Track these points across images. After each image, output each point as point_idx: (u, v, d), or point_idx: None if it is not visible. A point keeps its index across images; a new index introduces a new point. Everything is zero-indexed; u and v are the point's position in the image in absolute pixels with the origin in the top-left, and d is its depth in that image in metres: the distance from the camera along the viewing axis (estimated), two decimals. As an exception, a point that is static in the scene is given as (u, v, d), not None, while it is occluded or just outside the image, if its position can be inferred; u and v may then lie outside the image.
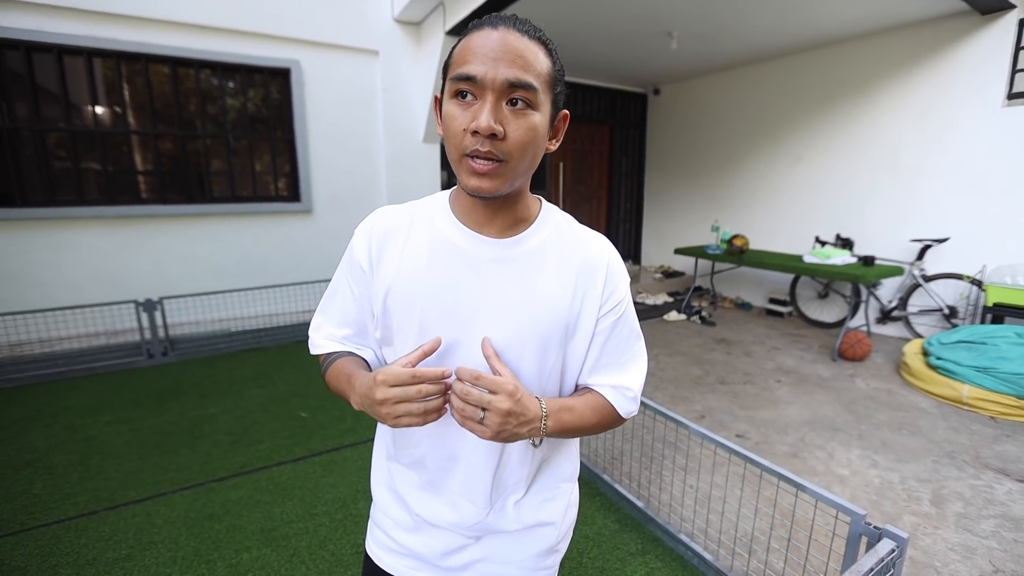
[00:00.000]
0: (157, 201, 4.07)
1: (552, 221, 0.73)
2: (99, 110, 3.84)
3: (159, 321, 3.74)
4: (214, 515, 1.99)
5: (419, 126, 4.82)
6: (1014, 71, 3.68)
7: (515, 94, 0.59)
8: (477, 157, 0.59)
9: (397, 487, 0.80)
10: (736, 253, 4.81)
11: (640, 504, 1.97)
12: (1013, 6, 3.61)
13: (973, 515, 2.03)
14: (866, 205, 4.63)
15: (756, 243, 5.51)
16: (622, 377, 0.75)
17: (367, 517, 1.96)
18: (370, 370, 0.75)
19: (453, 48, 0.63)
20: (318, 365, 3.59)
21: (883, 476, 2.31)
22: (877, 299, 4.41)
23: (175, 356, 3.77)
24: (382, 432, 0.85)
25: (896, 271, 3.97)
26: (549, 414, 0.66)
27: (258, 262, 4.46)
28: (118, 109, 3.89)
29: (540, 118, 0.61)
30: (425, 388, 0.59)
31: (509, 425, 0.61)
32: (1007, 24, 3.67)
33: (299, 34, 4.23)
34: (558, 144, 0.69)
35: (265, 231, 4.47)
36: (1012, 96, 3.71)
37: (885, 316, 4.39)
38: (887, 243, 4.45)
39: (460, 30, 4.03)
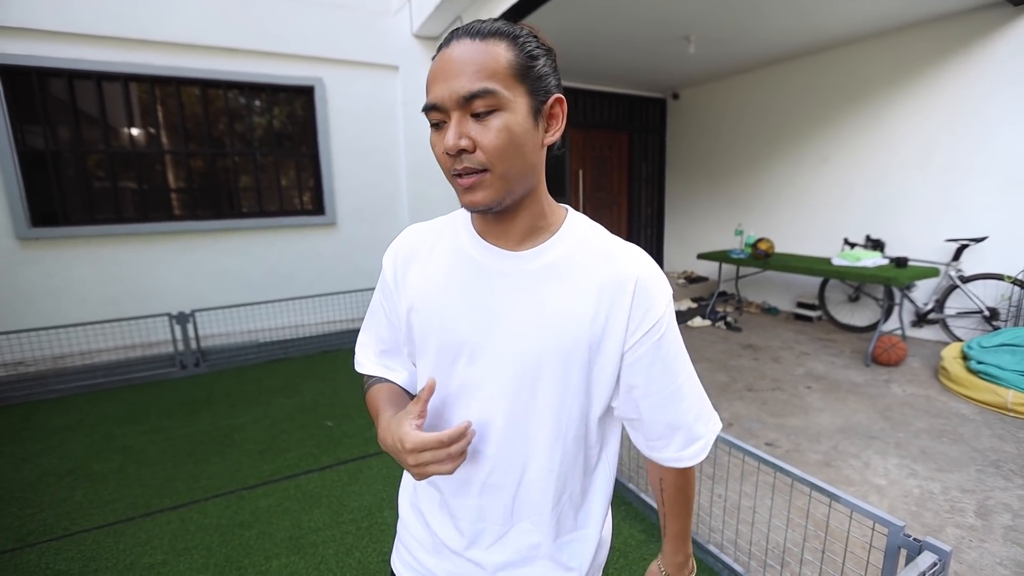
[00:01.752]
0: (189, 217, 4.22)
1: (577, 232, 0.68)
2: (135, 132, 4.02)
3: (191, 333, 3.86)
4: (244, 522, 2.04)
5: (439, 138, 4.89)
6: (1052, 62, 3.54)
7: (474, 105, 0.57)
8: (460, 176, 0.60)
9: (420, 504, 0.79)
10: (761, 257, 4.71)
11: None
12: (1048, -4, 3.48)
13: (1023, 528, 1.93)
14: (897, 205, 4.49)
15: (782, 246, 5.39)
16: (673, 412, 0.68)
17: (392, 526, 1.98)
18: (404, 394, 0.78)
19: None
20: (344, 375, 3.65)
21: (923, 486, 2.22)
22: (912, 302, 4.25)
23: (207, 367, 3.88)
24: None
25: (931, 272, 3.83)
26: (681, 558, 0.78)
27: (285, 274, 4.57)
28: (152, 130, 4.06)
29: (513, 116, 0.58)
30: (455, 449, 0.59)
31: None
32: (1043, 14, 3.54)
33: (322, 52, 4.36)
34: (558, 132, 0.64)
35: (291, 244, 4.59)
36: (1050, 88, 3.57)
37: (921, 319, 4.23)
38: (921, 243, 4.30)
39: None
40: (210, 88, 4.15)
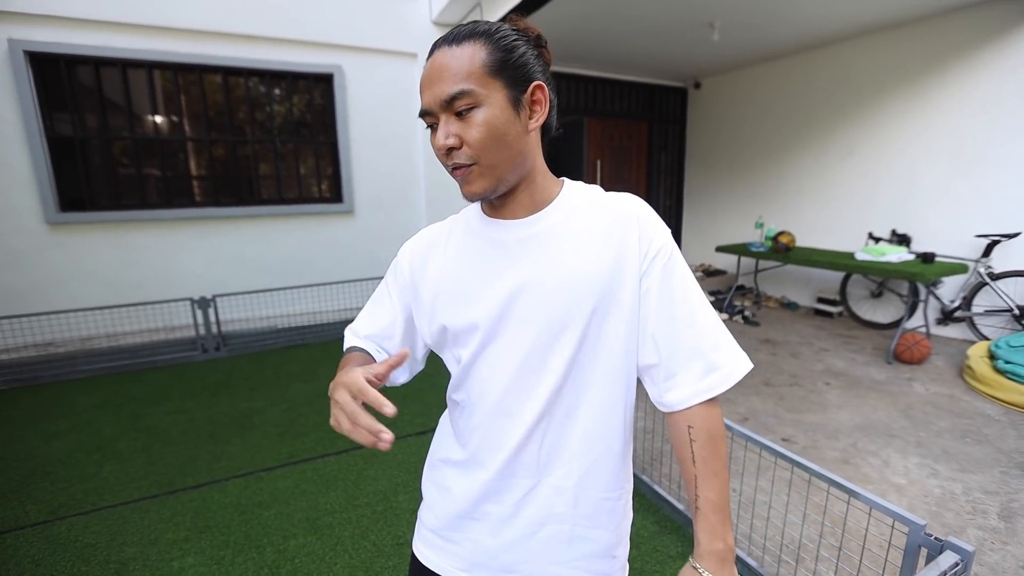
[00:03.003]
0: (210, 204, 4.29)
1: (575, 194, 0.74)
2: (159, 119, 4.09)
3: (212, 318, 3.94)
4: (263, 503, 2.09)
5: (456, 126, 4.87)
6: (1097, 50, 3.38)
7: (456, 106, 0.62)
8: (455, 170, 0.66)
9: (447, 482, 0.80)
10: (782, 250, 4.63)
11: (680, 506, 1.93)
12: (1096, -20, 3.31)
13: (1048, 531, 1.88)
14: (925, 199, 4.36)
15: (803, 240, 5.28)
16: (689, 336, 0.67)
17: (407, 510, 2.01)
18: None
19: None
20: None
21: (944, 486, 2.18)
22: (937, 298, 4.14)
23: (227, 351, 3.97)
24: (442, 430, 0.85)
25: (959, 268, 3.72)
26: (719, 560, 0.66)
27: (303, 261, 4.63)
28: (175, 118, 4.12)
29: (491, 110, 0.63)
30: (362, 418, 0.55)
31: None
32: (1089, 0, 3.37)
33: (342, 40, 4.36)
34: (542, 117, 0.67)
35: (309, 231, 4.64)
36: (1094, 78, 3.41)
37: (946, 317, 4.12)
38: (949, 239, 4.17)
39: (497, 30, 4.04)
40: (231, 75, 4.19)
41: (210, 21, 3.91)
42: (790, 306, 5.37)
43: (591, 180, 6.43)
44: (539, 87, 0.67)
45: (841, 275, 4.88)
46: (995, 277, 3.82)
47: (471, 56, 0.62)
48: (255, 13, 4.03)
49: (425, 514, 0.84)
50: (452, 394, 0.79)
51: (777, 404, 3.01)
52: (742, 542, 1.78)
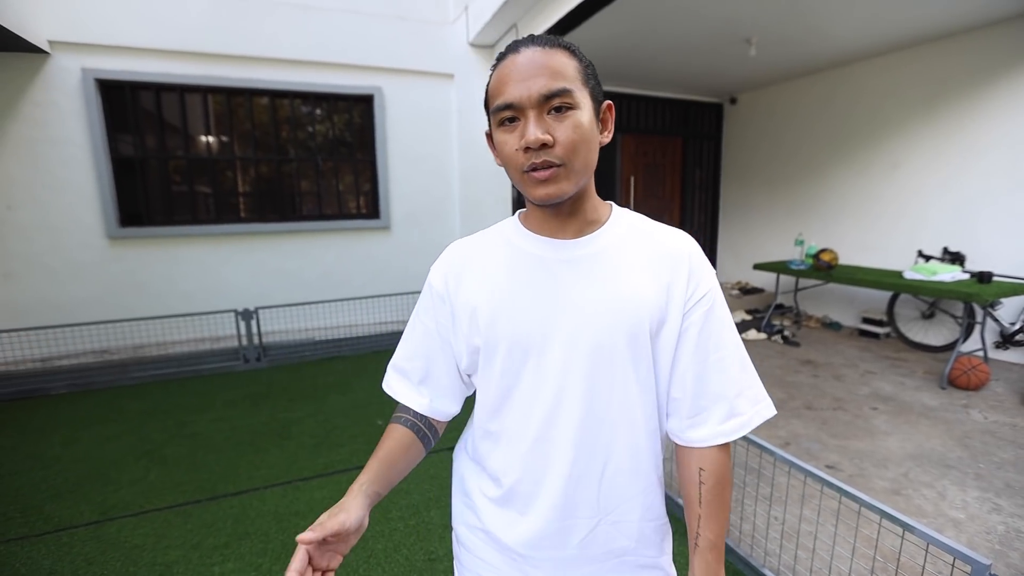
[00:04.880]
0: (255, 220, 4.48)
1: (626, 220, 0.74)
2: (210, 139, 4.32)
3: (255, 329, 4.09)
4: (300, 512, 2.13)
5: (490, 144, 4.96)
6: None
7: (553, 103, 0.62)
8: (536, 169, 0.63)
9: (487, 524, 0.77)
10: (824, 268, 4.47)
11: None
12: None
13: None
14: (980, 215, 4.14)
15: (846, 258, 5.09)
16: (718, 381, 0.69)
17: (439, 525, 2.02)
18: (407, 448, 0.75)
19: (487, 85, 0.68)
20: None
21: (1008, 523, 2.03)
22: (996, 320, 3.90)
23: (267, 361, 4.10)
24: (464, 470, 0.83)
25: (1020, 289, 3.50)
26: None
27: (341, 276, 4.76)
28: (225, 138, 4.35)
29: (583, 114, 0.63)
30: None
31: None
32: None
33: (382, 63, 4.53)
34: (611, 134, 0.70)
35: (347, 247, 4.78)
36: None
37: (1006, 340, 3.88)
38: (1008, 257, 3.94)
39: (532, 50, 4.11)
40: (278, 98, 4.41)
41: (259, 48, 4.14)
42: (832, 326, 5.16)
43: (624, 196, 6.41)
44: (610, 106, 0.70)
45: (888, 295, 4.66)
46: (1061, 299, 3.58)
47: (566, 61, 0.63)
48: (300, 39, 4.24)
49: (468, 559, 0.80)
50: (487, 424, 0.75)
51: (820, 429, 2.89)
52: (785, 573, 1.70)
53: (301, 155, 4.59)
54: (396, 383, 0.80)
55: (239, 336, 4.03)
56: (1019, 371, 3.72)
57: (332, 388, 3.57)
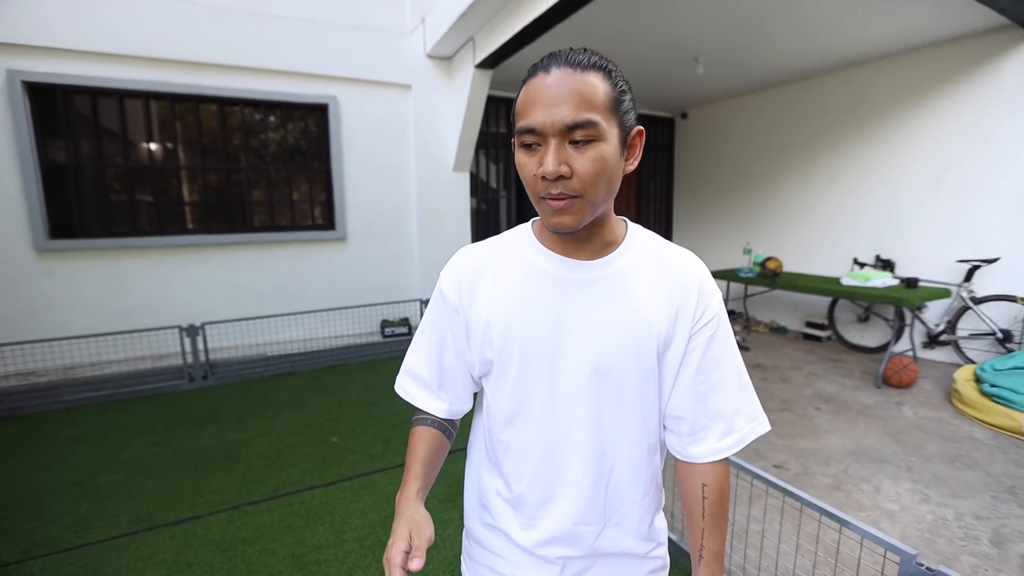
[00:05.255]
0: (202, 231, 4.29)
1: (641, 241, 0.75)
2: (153, 146, 4.13)
3: (200, 346, 3.89)
4: (247, 539, 2.03)
5: (449, 156, 4.96)
6: (1061, 85, 3.54)
7: (576, 135, 0.60)
8: (552, 199, 0.62)
9: (498, 524, 0.79)
10: (769, 276, 4.69)
11: (674, 537, 1.91)
12: (1056, 19, 3.49)
13: (1041, 558, 1.88)
14: (907, 225, 4.47)
15: (790, 265, 5.37)
16: (716, 400, 0.73)
17: (396, 544, 1.97)
18: (440, 446, 0.79)
19: (517, 96, 0.65)
20: (351, 390, 3.63)
21: (936, 512, 2.17)
22: (923, 323, 4.20)
23: (215, 380, 3.91)
24: (480, 468, 0.84)
25: (942, 293, 3.79)
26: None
27: (295, 289, 4.62)
28: (170, 145, 4.16)
29: (607, 147, 0.61)
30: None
31: None
32: (1051, 38, 3.55)
33: (337, 72, 4.46)
34: (637, 162, 0.69)
35: (301, 259, 4.64)
36: (1061, 111, 3.56)
37: (932, 340, 4.18)
38: (932, 264, 4.26)
39: (490, 63, 4.17)
40: (227, 105, 4.26)
41: (208, 53, 3.99)
42: (779, 331, 5.41)
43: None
44: (640, 133, 0.68)
45: (828, 300, 4.94)
46: (978, 301, 3.89)
47: (595, 87, 0.60)
48: (253, 46, 4.13)
49: (482, 555, 0.82)
50: (499, 434, 0.76)
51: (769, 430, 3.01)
52: (736, 573, 1.76)
53: (253, 164, 4.44)
54: (414, 389, 0.81)
55: (184, 353, 3.83)
56: (944, 369, 4.01)
57: (285, 405, 3.44)
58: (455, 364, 0.78)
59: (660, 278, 0.72)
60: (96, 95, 3.83)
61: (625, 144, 0.66)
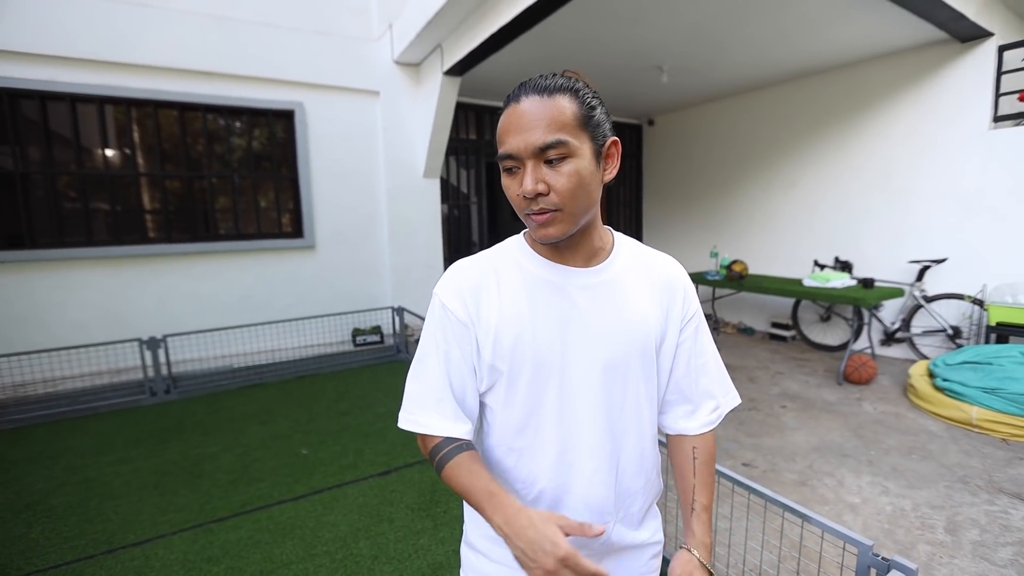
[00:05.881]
0: (163, 240, 4.15)
1: (627, 247, 0.83)
2: (109, 153, 3.97)
3: (162, 359, 3.75)
4: (212, 557, 1.96)
5: (419, 162, 4.94)
6: (998, 95, 3.77)
7: (549, 155, 0.65)
8: (535, 215, 0.68)
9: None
10: (735, 278, 4.83)
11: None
12: (991, 34, 3.73)
13: (990, 543, 1.97)
14: (862, 228, 4.67)
15: (755, 268, 5.53)
16: (706, 380, 0.84)
17: (368, 557, 1.94)
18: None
19: (498, 128, 0.71)
20: (321, 401, 3.55)
21: (895, 503, 2.26)
22: (880, 321, 4.39)
23: (178, 394, 3.77)
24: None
25: (896, 292, 3.97)
26: (707, 550, 0.79)
27: (262, 298, 4.50)
28: (127, 151, 4.01)
29: (581, 161, 0.67)
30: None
31: None
32: (987, 51, 3.79)
33: (303, 77, 4.39)
34: (615, 170, 0.74)
35: (269, 267, 4.53)
36: (998, 119, 3.80)
37: (889, 338, 4.37)
38: (886, 265, 4.46)
39: (458, 70, 4.18)
40: (188, 111, 4.14)
41: (166, 57, 3.88)
42: (747, 331, 5.56)
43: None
44: (615, 143, 0.73)
45: (792, 301, 5.11)
46: (929, 300, 4.09)
47: (563, 108, 0.66)
48: (214, 50, 4.03)
49: (486, 566, 0.81)
50: (511, 442, 0.77)
51: (737, 429, 3.09)
52: (707, 571, 1.79)
53: (217, 171, 4.32)
54: (431, 419, 0.74)
55: (144, 367, 3.68)
56: (901, 365, 4.20)
57: (252, 418, 3.34)
58: (468, 381, 0.76)
59: (650, 281, 0.80)
60: (45, 99, 3.66)
61: (600, 155, 0.71)
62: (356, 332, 4.70)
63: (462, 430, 0.74)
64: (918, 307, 4.17)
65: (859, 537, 1.22)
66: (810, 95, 4.97)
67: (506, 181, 0.70)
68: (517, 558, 0.63)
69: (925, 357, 4.13)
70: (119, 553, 2.00)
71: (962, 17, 3.38)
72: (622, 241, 0.83)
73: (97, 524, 2.19)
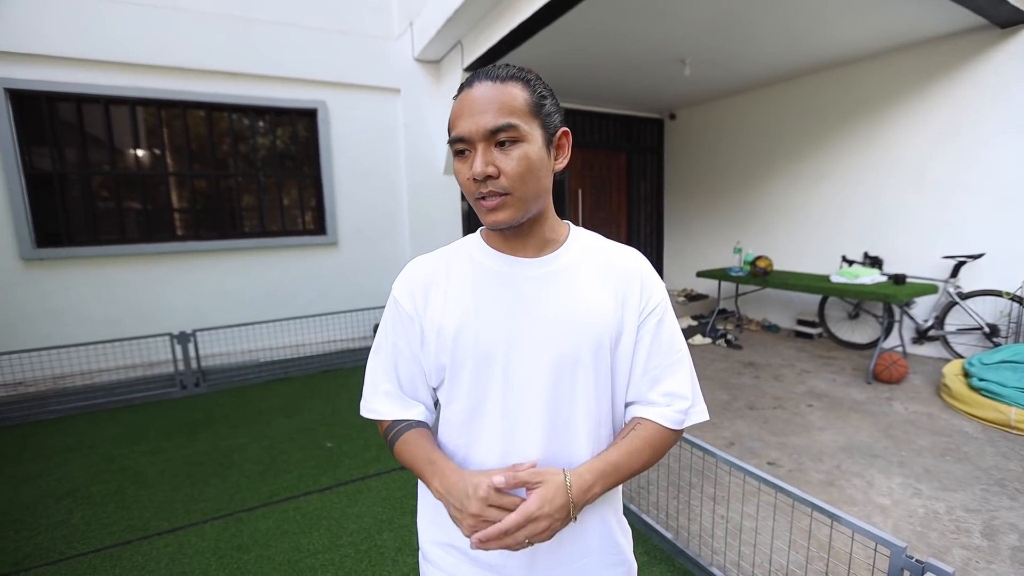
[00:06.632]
0: (191, 237, 4.26)
1: (583, 239, 0.80)
2: (140, 153, 4.09)
3: (192, 353, 3.86)
4: (243, 545, 2.02)
5: (440, 159, 4.96)
6: (1041, 83, 3.61)
7: (499, 137, 0.66)
8: (484, 198, 0.68)
9: (454, 542, 0.77)
10: (760, 275, 4.73)
11: (669, 535, 1.92)
12: (1034, 19, 3.56)
13: (1029, 548, 1.90)
14: (894, 222, 4.53)
15: (780, 264, 5.41)
16: (671, 382, 0.76)
17: (391, 548, 1.96)
18: (431, 431, 0.79)
19: (450, 115, 0.71)
20: (345, 395, 3.61)
21: (928, 506, 2.20)
22: (911, 318, 4.26)
23: (207, 387, 3.88)
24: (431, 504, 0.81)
25: (929, 289, 3.84)
26: (581, 487, 0.66)
27: (286, 294, 4.59)
28: (157, 151, 4.13)
29: (531, 147, 0.67)
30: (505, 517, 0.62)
31: (553, 529, 0.64)
32: (1030, 37, 3.62)
33: (325, 76, 4.45)
34: (566, 160, 0.74)
35: (292, 264, 4.62)
36: (1040, 108, 3.63)
37: (921, 336, 4.23)
38: (918, 260, 4.32)
39: (479, 67, 4.17)
40: (215, 111, 4.23)
41: (195, 59, 3.97)
42: (771, 328, 5.45)
43: (573, 210, 6.56)
44: (565, 133, 0.74)
45: (818, 298, 4.99)
46: (964, 296, 3.95)
47: (515, 95, 0.67)
48: (240, 51, 4.11)
49: (431, 571, 0.80)
50: (455, 438, 0.76)
51: (762, 428, 3.03)
52: (731, 570, 1.77)
53: (242, 169, 4.42)
54: (382, 405, 0.79)
55: (175, 361, 3.80)
56: (933, 364, 4.07)
57: (278, 411, 3.42)
58: (416, 373, 0.79)
59: (605, 274, 0.76)
60: (81, 102, 3.79)
61: (551, 144, 0.71)
62: (377, 328, 4.76)
63: (412, 413, 0.79)
64: (953, 304, 4.03)
65: (892, 538, 1.19)
66: (841, 86, 4.82)
67: (457, 165, 0.70)
68: (452, 517, 0.66)
69: (960, 356, 3.98)
70: (154, 539, 2.07)
71: (1002, 1, 3.24)
72: (578, 233, 0.81)
73: (133, 511, 2.27)
